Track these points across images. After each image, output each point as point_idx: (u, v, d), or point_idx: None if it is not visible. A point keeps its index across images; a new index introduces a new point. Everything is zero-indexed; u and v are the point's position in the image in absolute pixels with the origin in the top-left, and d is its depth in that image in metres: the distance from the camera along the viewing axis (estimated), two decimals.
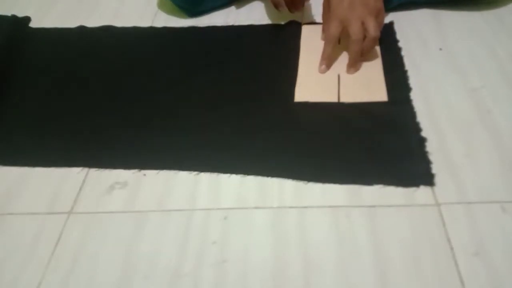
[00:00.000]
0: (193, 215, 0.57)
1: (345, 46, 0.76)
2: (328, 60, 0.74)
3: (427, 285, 0.49)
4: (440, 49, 0.77)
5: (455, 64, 0.74)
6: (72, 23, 0.91)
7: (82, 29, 0.90)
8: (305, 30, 0.83)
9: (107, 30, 0.89)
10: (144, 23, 0.90)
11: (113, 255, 0.54)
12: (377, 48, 0.76)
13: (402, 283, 0.49)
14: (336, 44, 0.74)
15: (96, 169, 0.64)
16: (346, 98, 0.69)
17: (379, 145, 0.62)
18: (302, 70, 0.75)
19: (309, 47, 0.79)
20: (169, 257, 0.53)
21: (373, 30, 0.70)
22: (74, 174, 0.64)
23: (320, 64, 0.74)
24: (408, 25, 0.82)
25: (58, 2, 0.99)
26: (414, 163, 0.60)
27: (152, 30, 0.89)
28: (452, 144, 0.62)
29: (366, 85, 0.71)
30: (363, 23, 0.70)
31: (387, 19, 0.83)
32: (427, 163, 0.60)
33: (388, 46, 0.78)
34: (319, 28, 0.82)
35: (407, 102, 0.68)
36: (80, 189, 0.62)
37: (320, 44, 0.76)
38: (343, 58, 0.76)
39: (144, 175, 0.63)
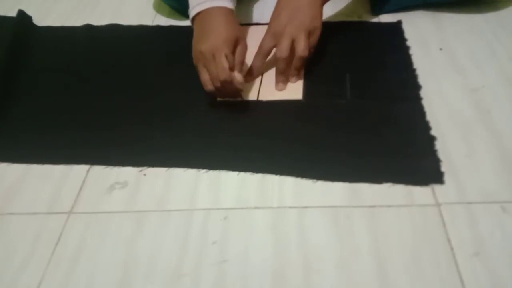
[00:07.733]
0: (193, 215, 0.57)
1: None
2: (255, 73, 0.73)
3: (427, 285, 0.49)
4: (441, 49, 0.77)
5: (455, 64, 0.74)
6: (73, 23, 0.91)
7: (88, 27, 0.90)
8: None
9: (113, 28, 0.89)
10: (145, 22, 0.90)
11: (113, 255, 0.54)
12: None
13: (402, 283, 0.49)
14: (266, 57, 0.73)
15: (98, 167, 0.64)
16: (264, 96, 0.71)
17: (388, 143, 0.62)
18: None
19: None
20: (169, 257, 0.53)
21: (301, 50, 0.69)
22: (74, 174, 0.64)
23: (247, 75, 0.73)
24: (409, 26, 0.82)
25: (59, 3, 1.00)
26: (423, 162, 0.60)
27: (157, 28, 0.88)
28: (452, 144, 0.62)
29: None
30: (294, 41, 0.69)
31: (391, 19, 0.84)
32: (436, 161, 0.60)
33: (396, 45, 0.78)
34: (255, 28, 0.82)
35: (417, 101, 0.68)
36: (80, 189, 0.62)
37: (255, 43, 0.74)
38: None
39: (144, 175, 0.63)
